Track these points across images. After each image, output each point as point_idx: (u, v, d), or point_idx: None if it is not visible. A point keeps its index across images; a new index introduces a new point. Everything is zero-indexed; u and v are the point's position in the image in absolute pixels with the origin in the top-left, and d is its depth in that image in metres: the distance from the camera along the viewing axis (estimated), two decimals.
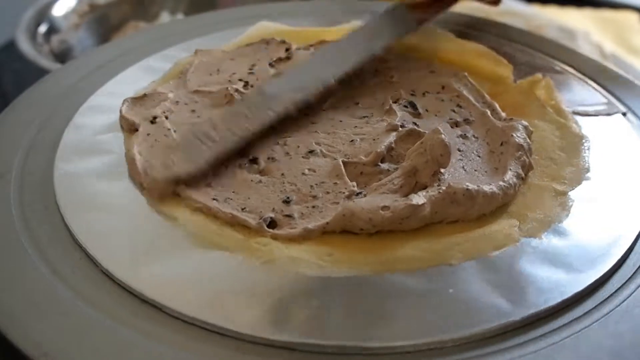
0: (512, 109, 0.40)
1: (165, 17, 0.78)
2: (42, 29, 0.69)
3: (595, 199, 0.34)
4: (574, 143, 0.38)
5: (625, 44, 0.77)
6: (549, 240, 0.31)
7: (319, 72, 0.41)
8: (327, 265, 0.30)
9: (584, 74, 0.45)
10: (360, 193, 0.33)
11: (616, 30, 0.79)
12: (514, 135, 0.35)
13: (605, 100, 0.42)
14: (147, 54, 0.45)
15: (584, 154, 0.37)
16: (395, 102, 0.40)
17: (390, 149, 0.36)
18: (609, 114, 0.41)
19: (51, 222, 0.32)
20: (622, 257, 0.31)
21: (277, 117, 0.38)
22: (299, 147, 0.37)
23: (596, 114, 0.41)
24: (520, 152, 0.35)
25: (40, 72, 0.56)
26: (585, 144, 0.37)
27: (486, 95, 0.41)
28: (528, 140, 0.36)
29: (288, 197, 0.33)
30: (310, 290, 0.29)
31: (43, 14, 0.70)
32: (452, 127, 0.38)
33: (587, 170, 0.36)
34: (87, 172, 0.35)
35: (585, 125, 0.39)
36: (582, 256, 0.31)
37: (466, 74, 0.42)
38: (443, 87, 0.42)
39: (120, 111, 0.38)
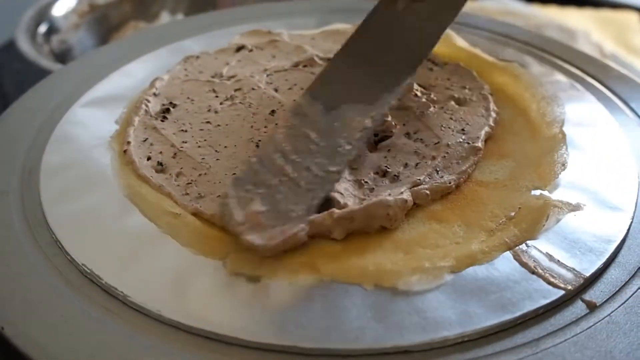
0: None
1: (165, 17, 0.79)
2: (42, 29, 0.69)
3: None
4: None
5: (625, 44, 0.77)
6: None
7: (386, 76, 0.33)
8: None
9: (585, 73, 0.45)
10: None
11: (616, 30, 0.79)
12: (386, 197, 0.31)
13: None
14: (146, 53, 0.45)
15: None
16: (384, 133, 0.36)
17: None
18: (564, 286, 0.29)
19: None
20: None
21: (354, 153, 0.31)
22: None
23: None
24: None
25: (40, 73, 0.56)
26: None
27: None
28: (391, 213, 0.30)
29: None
30: None
31: (43, 14, 0.70)
32: (373, 172, 0.34)
33: None
34: (78, 173, 0.35)
35: None
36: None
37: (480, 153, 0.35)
38: (440, 143, 0.36)
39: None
